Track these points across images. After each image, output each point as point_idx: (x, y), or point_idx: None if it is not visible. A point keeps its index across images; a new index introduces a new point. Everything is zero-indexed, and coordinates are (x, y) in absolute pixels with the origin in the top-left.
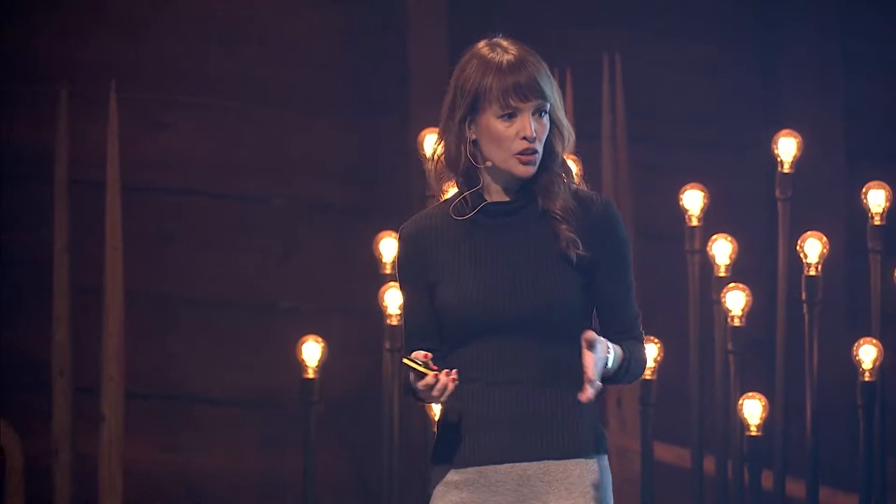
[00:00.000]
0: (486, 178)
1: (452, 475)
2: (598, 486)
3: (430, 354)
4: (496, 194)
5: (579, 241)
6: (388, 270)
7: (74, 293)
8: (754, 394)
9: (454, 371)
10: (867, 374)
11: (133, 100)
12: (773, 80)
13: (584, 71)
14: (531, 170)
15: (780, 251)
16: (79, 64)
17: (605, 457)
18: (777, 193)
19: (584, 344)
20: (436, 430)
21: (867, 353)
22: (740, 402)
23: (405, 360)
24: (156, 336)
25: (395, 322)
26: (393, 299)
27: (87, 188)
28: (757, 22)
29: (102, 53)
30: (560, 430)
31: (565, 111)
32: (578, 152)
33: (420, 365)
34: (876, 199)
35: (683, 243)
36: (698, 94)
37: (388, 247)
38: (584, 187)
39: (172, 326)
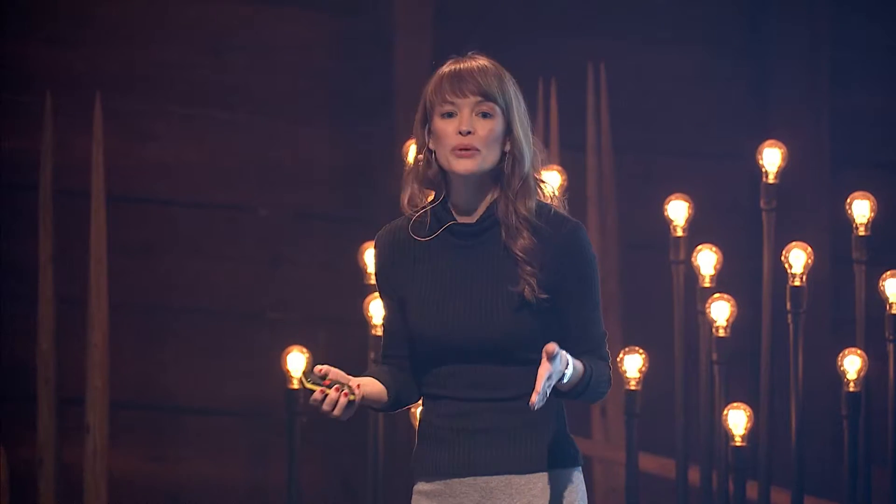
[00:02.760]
0: (451, 194)
1: (424, 485)
2: (563, 499)
3: (325, 369)
4: (461, 212)
5: (536, 285)
6: (373, 281)
7: (59, 302)
8: (739, 404)
9: (354, 387)
10: (852, 384)
11: (119, 109)
12: (760, 90)
13: (568, 81)
14: (467, 165)
15: (765, 261)
16: (65, 73)
17: (576, 469)
18: (762, 204)
19: (544, 355)
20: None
21: (852, 364)
22: (725, 412)
23: (300, 379)
24: (141, 346)
25: (379, 332)
26: (378, 310)
27: (73, 198)
28: (744, 31)
29: (89, 63)
30: (522, 445)
31: (531, 128)
32: (563, 161)
33: (310, 383)
34: (860, 209)
35: (668, 253)
36: (683, 104)
37: (372, 257)
38: (559, 202)
39: (158, 336)
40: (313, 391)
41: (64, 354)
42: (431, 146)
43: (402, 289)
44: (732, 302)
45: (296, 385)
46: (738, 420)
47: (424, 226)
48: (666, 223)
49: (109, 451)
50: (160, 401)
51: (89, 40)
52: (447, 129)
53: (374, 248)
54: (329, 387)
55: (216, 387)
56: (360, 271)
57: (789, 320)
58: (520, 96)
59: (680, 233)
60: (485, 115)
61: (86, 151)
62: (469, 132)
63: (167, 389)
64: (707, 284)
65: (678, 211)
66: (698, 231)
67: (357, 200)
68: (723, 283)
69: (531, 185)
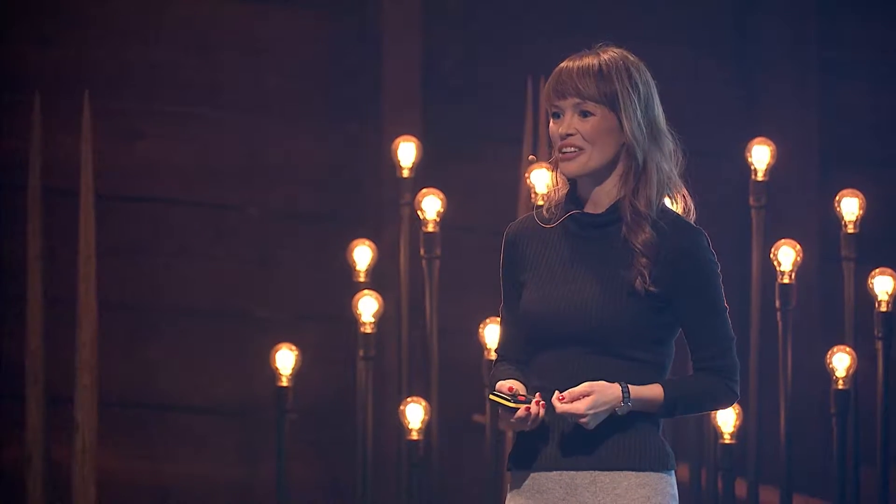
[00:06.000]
0: (578, 186)
1: (514, 480)
2: (649, 501)
3: (513, 387)
4: (588, 204)
5: (648, 277)
6: (361, 278)
7: (48, 302)
8: None
9: (538, 396)
10: (841, 381)
11: (108, 108)
12: (748, 88)
13: None
14: (569, 167)
15: (754, 259)
16: (54, 72)
17: (666, 474)
18: (751, 201)
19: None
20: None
21: (841, 361)
22: None
23: (491, 397)
24: (130, 344)
25: (368, 330)
26: (366, 307)
27: (61, 197)
28: (733, 28)
29: (77, 62)
30: (609, 443)
31: (657, 119)
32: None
33: (507, 399)
34: (849, 206)
35: None
36: (671, 102)
37: (361, 255)
38: (683, 207)
39: (147, 335)
40: (511, 408)
41: (52, 353)
42: None
43: (523, 274)
44: None
45: (487, 408)
46: (726, 417)
47: (553, 215)
48: None
49: (98, 450)
50: (149, 399)
51: (78, 39)
52: (554, 130)
53: (504, 239)
54: (523, 402)
55: (205, 385)
56: (349, 268)
57: (778, 318)
58: (635, 88)
59: None
60: (584, 114)
61: (74, 150)
62: (569, 134)
63: (156, 388)
64: None
65: None
66: None
67: (345, 199)
68: None
69: (652, 178)
